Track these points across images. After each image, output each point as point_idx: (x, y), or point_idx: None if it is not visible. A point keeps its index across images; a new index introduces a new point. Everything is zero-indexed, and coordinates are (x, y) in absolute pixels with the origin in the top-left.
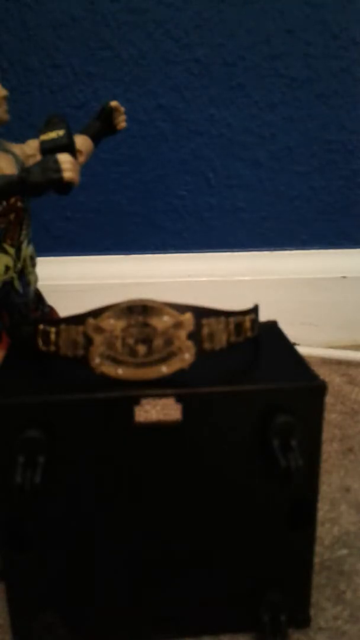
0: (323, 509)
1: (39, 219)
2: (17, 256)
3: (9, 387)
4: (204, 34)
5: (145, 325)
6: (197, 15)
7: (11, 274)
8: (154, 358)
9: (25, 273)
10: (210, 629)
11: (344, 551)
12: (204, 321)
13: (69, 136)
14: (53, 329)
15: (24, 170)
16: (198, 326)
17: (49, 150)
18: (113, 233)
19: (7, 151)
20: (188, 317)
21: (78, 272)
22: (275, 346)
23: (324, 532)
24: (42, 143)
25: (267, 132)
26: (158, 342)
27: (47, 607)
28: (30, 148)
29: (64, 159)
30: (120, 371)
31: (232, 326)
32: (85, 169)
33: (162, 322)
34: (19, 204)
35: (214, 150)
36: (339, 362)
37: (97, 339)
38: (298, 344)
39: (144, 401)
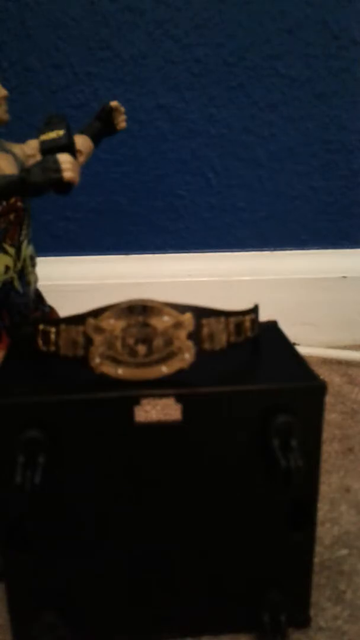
0: (323, 509)
1: (39, 219)
2: (17, 256)
3: (9, 387)
4: (204, 34)
5: (145, 325)
6: (197, 15)
7: (11, 274)
8: (154, 358)
9: (25, 273)
10: (210, 629)
11: (344, 551)
12: (204, 321)
13: (69, 136)
14: (53, 329)
15: (24, 170)
16: (198, 326)
17: (49, 150)
18: (113, 233)
19: (7, 151)
20: (188, 317)
21: (78, 272)
22: (275, 346)
23: (324, 532)
24: (42, 143)
25: (267, 132)
26: (158, 342)
27: (47, 607)
28: (30, 148)
29: (64, 159)
30: (120, 371)
31: (232, 326)
32: (85, 169)
33: (162, 322)
34: (19, 204)
35: (214, 150)
36: (339, 362)
37: (97, 339)
38: (298, 344)
39: (144, 401)
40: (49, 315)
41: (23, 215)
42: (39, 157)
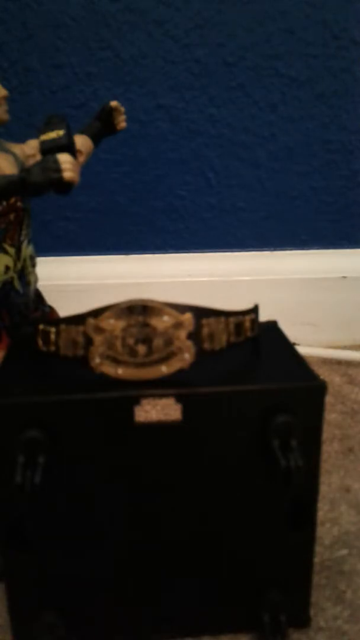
0: (323, 509)
1: (39, 219)
2: (17, 256)
3: (9, 387)
4: (204, 34)
5: (145, 325)
6: (197, 15)
7: (11, 274)
8: (154, 358)
9: (25, 273)
10: (210, 629)
11: (344, 551)
12: (204, 321)
13: (69, 136)
14: (53, 329)
15: (24, 170)
16: (198, 326)
17: (49, 150)
18: (113, 233)
19: (7, 151)
20: (188, 317)
21: (78, 272)
22: (275, 346)
23: (324, 532)
24: (42, 143)
25: (267, 132)
26: (158, 342)
27: (47, 607)
28: (30, 148)
29: (64, 159)
30: (120, 371)
31: (232, 326)
32: (85, 169)
33: (162, 322)
34: (19, 204)
35: (214, 150)
36: (339, 362)
37: (97, 339)
38: (298, 344)
39: (144, 401)
40: (49, 315)
41: (23, 215)
42: (39, 157)
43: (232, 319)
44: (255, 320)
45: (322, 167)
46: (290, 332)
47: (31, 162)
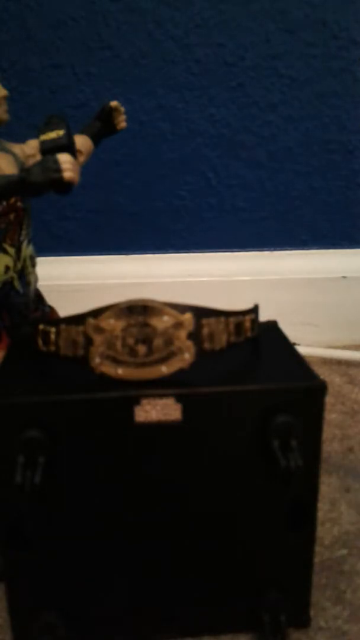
0: (323, 509)
1: (39, 219)
2: (17, 256)
3: (9, 387)
4: (204, 34)
5: (145, 325)
6: (197, 15)
7: (11, 274)
8: (154, 358)
9: (25, 273)
10: (210, 629)
11: (344, 551)
12: (204, 321)
13: (69, 136)
14: (53, 329)
15: (24, 170)
16: (198, 326)
17: (49, 150)
18: (113, 233)
19: (7, 151)
20: (188, 317)
21: (78, 272)
22: (275, 346)
23: (324, 532)
24: (42, 143)
25: (267, 132)
26: (158, 342)
27: (47, 607)
28: (30, 148)
29: (64, 159)
30: (120, 371)
31: (232, 326)
32: (85, 169)
33: (162, 322)
34: (19, 204)
35: (214, 150)
36: (339, 362)
37: (97, 339)
38: (298, 344)
39: (144, 401)
40: (49, 315)
41: (23, 215)
42: (39, 157)
43: (232, 319)
44: (255, 320)
45: (322, 167)
46: (290, 332)
47: (31, 162)
